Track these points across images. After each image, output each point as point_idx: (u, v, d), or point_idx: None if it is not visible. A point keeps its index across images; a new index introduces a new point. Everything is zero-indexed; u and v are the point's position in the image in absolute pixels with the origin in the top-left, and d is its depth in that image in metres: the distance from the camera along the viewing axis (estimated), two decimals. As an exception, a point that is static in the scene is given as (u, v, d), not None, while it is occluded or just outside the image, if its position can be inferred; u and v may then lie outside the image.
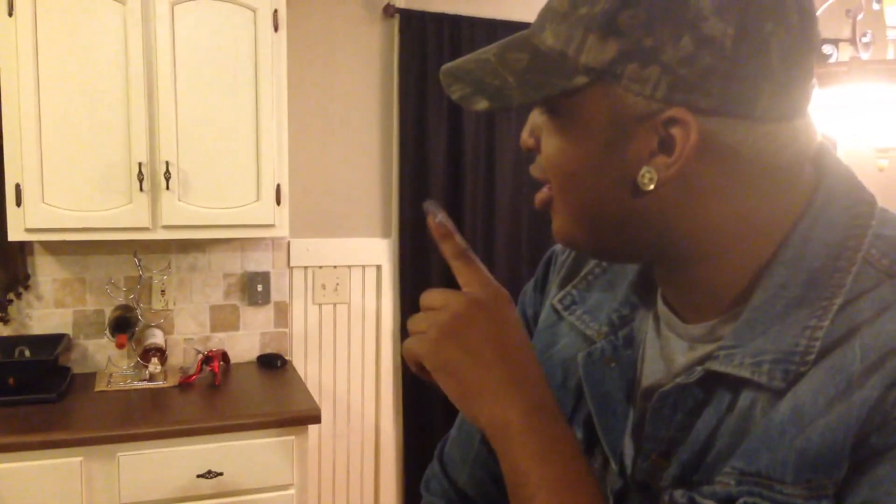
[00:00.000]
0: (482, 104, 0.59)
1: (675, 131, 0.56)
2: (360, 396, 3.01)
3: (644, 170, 0.58)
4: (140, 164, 2.32)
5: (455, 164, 2.94)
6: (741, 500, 0.56)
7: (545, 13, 0.61)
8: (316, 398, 2.59)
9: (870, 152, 2.01)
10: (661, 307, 0.68)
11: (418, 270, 2.94)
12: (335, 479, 2.98)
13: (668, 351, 0.67)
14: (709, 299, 0.63)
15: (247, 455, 2.23)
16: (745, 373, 0.58)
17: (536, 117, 0.64)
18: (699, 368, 0.61)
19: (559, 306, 0.77)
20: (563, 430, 0.61)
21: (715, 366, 0.60)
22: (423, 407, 3.00)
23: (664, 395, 0.63)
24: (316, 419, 2.31)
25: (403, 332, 2.98)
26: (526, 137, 0.65)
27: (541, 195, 0.65)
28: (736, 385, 0.59)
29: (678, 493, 0.60)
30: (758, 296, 0.60)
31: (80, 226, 2.32)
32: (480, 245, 2.97)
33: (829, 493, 0.54)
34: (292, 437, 2.28)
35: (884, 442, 0.52)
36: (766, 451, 0.56)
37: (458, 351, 0.61)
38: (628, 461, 0.67)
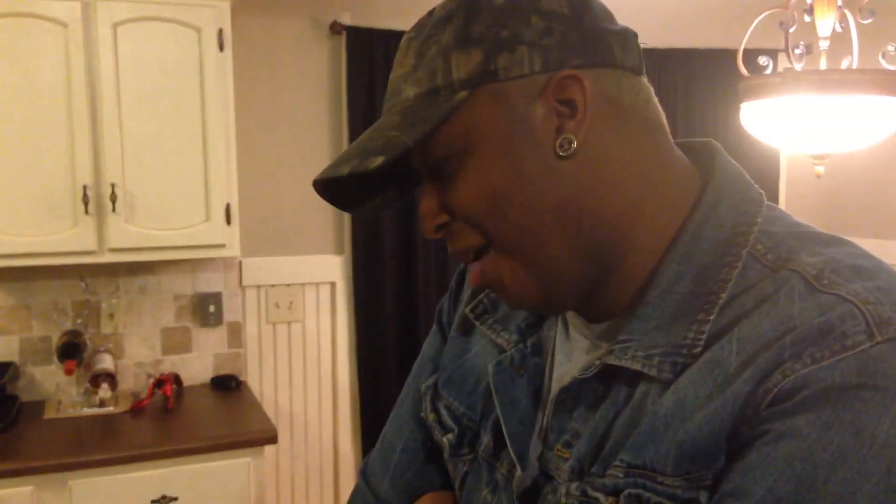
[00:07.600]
0: (377, 161, 0.58)
1: (568, 91, 0.60)
2: (317, 416, 2.99)
3: (560, 139, 0.60)
4: (85, 187, 2.28)
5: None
6: (626, 492, 0.58)
7: (394, 84, 0.64)
8: (272, 419, 2.56)
9: (807, 159, 2.08)
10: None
11: (373, 287, 2.93)
12: (294, 500, 2.95)
13: (573, 351, 0.69)
14: (610, 298, 0.65)
15: (202, 478, 2.20)
16: (636, 365, 0.60)
17: (429, 195, 0.65)
18: (597, 363, 0.63)
19: (471, 315, 0.78)
20: None
21: (611, 360, 0.62)
22: (382, 426, 2.98)
23: (565, 390, 0.65)
24: (272, 440, 2.29)
25: (359, 350, 2.96)
26: (431, 218, 0.65)
27: (474, 270, 0.66)
28: (633, 378, 0.61)
29: (573, 486, 0.62)
30: (651, 292, 0.62)
31: (26, 251, 2.27)
32: (434, 277, 2.96)
33: (708, 484, 0.55)
34: (248, 459, 2.25)
35: (752, 432, 0.54)
36: (652, 444, 0.57)
37: None
38: (534, 461, 0.68)
